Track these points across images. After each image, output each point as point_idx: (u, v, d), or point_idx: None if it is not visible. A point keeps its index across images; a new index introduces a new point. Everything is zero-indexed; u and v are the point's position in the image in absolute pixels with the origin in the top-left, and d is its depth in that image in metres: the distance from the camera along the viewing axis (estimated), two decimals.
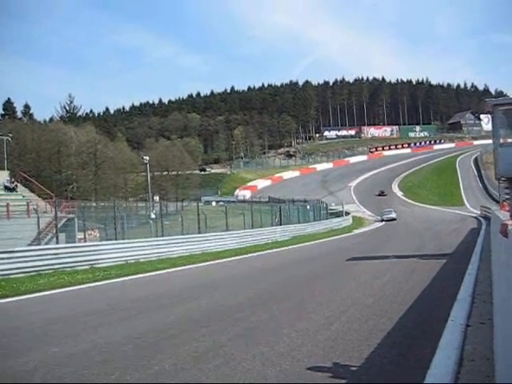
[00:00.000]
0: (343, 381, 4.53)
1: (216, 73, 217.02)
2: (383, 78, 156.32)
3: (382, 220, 47.56)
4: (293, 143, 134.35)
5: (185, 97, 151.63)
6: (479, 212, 45.67)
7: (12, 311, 9.70)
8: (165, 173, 75.30)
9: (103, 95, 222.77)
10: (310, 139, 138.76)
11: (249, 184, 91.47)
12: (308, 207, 43.58)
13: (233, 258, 19.84)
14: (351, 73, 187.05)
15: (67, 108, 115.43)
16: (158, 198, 59.96)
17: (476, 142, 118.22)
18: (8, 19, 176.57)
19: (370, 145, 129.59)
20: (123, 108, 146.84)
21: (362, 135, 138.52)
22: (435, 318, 7.12)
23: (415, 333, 6.43)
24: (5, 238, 17.42)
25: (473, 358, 5.03)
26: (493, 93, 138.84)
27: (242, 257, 20.48)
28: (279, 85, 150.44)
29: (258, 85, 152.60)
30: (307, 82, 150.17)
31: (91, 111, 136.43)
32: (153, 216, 30.79)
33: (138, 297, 10.56)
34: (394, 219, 46.64)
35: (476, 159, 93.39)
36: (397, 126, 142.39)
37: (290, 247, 25.28)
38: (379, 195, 71.31)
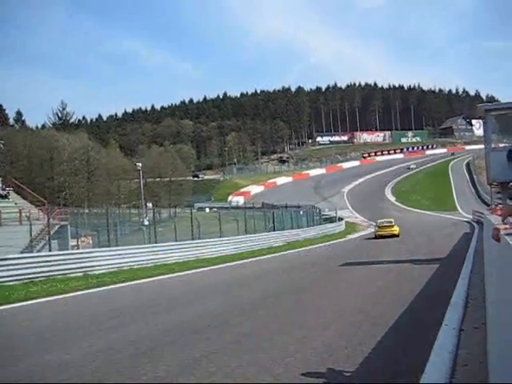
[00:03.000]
0: None
1: (209, 79, 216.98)
2: (375, 84, 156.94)
3: None
4: (286, 149, 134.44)
5: (177, 103, 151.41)
6: (472, 217, 45.84)
7: (4, 319, 9.63)
8: (158, 179, 75.21)
9: (96, 102, 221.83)
10: (302, 145, 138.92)
11: (242, 190, 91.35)
12: (301, 213, 43.54)
13: (226, 265, 19.80)
14: (343, 78, 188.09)
15: (59, 115, 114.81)
16: (151, 204, 59.74)
17: (468, 147, 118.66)
18: (0, 25, 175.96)
19: (363, 150, 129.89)
20: (116, 114, 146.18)
21: (355, 141, 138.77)
22: (429, 322, 7.13)
23: (409, 337, 6.44)
24: None
25: (466, 362, 5.04)
26: (484, 98, 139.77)
27: (235, 263, 20.44)
28: (272, 91, 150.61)
29: (250, 91, 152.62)
30: (300, 87, 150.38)
31: (84, 118, 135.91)
32: (146, 223, 30.70)
33: (130, 304, 10.52)
34: None
35: (468, 164, 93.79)
36: (389, 132, 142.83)
37: (283, 253, 25.26)
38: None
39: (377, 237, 31.86)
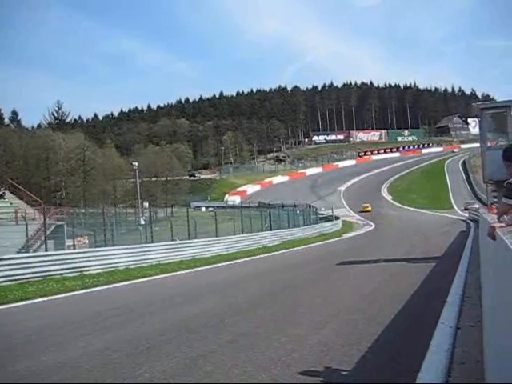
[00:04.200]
0: None
1: (205, 78, 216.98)
2: (371, 83, 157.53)
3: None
4: (282, 148, 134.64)
5: (174, 102, 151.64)
6: (468, 215, 45.98)
7: (1, 319, 9.59)
8: (154, 179, 75.08)
9: (91, 101, 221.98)
10: (299, 144, 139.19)
11: (238, 189, 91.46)
12: (298, 212, 43.55)
13: (222, 264, 19.75)
14: (340, 77, 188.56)
15: (55, 114, 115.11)
16: (147, 204, 59.72)
17: (464, 146, 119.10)
18: None
19: (359, 149, 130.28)
20: (112, 114, 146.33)
21: (351, 139, 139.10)
22: (425, 321, 7.15)
23: (405, 336, 6.45)
24: None
25: (463, 360, 5.05)
26: (480, 97, 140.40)
27: (231, 262, 20.40)
28: (268, 90, 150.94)
29: (246, 90, 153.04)
30: (296, 86, 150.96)
31: (79, 117, 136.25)
32: (142, 222, 30.65)
33: (127, 303, 10.49)
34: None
35: (464, 163, 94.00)
36: (385, 131, 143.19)
37: (280, 252, 25.24)
38: None
39: (360, 212, 60.69)
